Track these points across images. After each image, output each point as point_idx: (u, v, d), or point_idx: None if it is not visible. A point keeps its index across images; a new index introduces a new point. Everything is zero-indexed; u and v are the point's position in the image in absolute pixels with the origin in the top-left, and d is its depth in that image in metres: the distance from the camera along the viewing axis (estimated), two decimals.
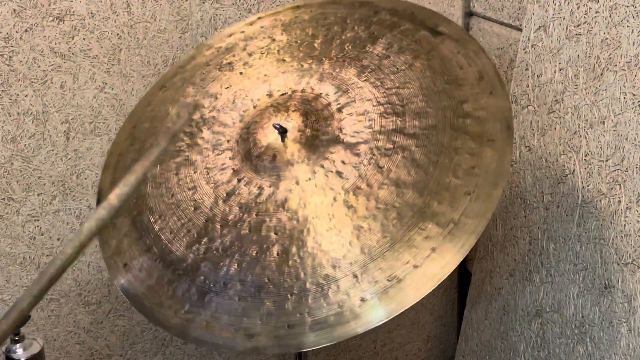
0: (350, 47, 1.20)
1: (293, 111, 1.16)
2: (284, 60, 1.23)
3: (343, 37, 1.22)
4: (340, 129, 1.12)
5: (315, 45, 1.23)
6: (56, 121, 1.36)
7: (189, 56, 1.33)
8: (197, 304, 1.07)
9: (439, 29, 1.20)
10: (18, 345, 1.14)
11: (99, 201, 1.23)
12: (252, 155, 1.14)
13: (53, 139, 1.36)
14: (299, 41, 1.25)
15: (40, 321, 1.45)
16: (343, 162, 1.09)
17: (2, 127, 1.33)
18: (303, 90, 1.18)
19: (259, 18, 1.33)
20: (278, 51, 1.25)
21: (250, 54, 1.27)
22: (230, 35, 1.32)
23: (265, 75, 1.23)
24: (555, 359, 1.33)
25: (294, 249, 1.05)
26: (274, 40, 1.27)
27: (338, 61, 1.19)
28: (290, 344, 1.02)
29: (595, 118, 1.24)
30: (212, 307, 1.06)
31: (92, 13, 1.34)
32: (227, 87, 1.24)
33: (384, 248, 1.02)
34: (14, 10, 1.29)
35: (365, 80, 1.16)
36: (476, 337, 1.54)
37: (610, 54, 1.21)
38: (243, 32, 1.31)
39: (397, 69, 1.16)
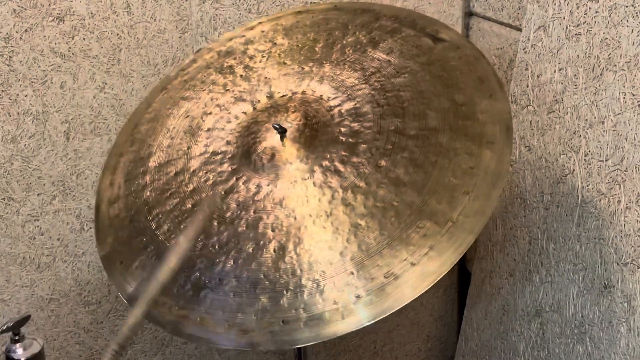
0: (351, 51, 1.21)
1: (293, 112, 1.16)
2: (284, 63, 1.24)
3: (344, 42, 1.22)
4: (340, 130, 1.12)
5: (317, 49, 1.23)
6: (56, 121, 1.36)
7: (189, 59, 1.34)
8: (192, 300, 1.07)
9: (440, 35, 1.20)
10: (18, 345, 1.14)
11: (97, 203, 1.23)
12: (251, 155, 1.14)
13: (53, 139, 1.37)
14: (300, 45, 1.25)
15: (40, 321, 1.45)
16: (342, 162, 1.09)
17: (2, 127, 1.33)
18: (303, 92, 1.19)
19: (260, 23, 1.33)
20: (279, 54, 1.25)
21: (251, 57, 1.27)
22: (231, 39, 1.32)
23: (266, 77, 1.23)
24: (555, 359, 1.33)
25: (290, 246, 1.05)
26: (275, 44, 1.27)
27: (339, 64, 1.19)
28: (284, 339, 1.02)
29: (595, 118, 1.24)
30: (206, 303, 1.06)
31: (92, 13, 1.34)
32: (228, 89, 1.24)
33: (381, 245, 1.02)
34: (14, 10, 1.29)
35: (365, 83, 1.16)
36: (476, 337, 1.54)
37: (610, 53, 1.21)
38: (244, 36, 1.32)
39: (398, 72, 1.16)
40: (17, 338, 1.14)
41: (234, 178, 1.13)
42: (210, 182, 1.14)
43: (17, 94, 1.33)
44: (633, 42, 1.17)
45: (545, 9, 1.32)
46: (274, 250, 1.06)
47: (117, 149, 1.28)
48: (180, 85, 1.29)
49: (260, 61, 1.26)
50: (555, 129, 1.32)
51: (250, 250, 1.07)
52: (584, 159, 1.26)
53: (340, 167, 1.09)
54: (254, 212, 1.09)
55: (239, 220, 1.09)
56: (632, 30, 1.17)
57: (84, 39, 1.35)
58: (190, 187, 1.15)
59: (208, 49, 1.33)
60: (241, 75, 1.25)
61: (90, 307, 1.48)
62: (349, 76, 1.18)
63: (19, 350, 1.14)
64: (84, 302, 1.47)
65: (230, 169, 1.15)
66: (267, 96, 1.21)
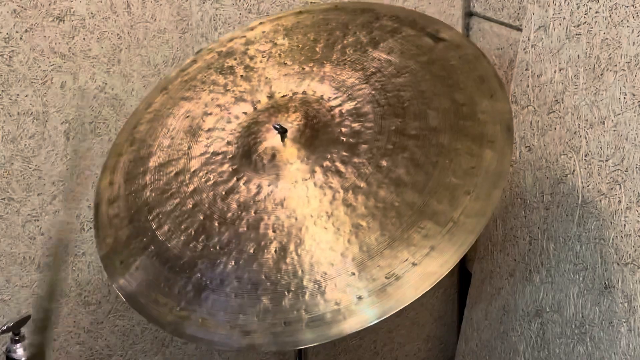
0: (351, 51, 1.21)
1: (293, 112, 1.16)
2: (285, 64, 1.24)
3: (345, 42, 1.22)
4: (341, 130, 1.12)
5: (317, 49, 1.23)
6: (56, 121, 1.36)
7: (190, 60, 1.34)
8: (193, 301, 1.07)
9: (440, 35, 1.20)
10: (18, 345, 1.14)
11: (97, 203, 1.23)
12: (252, 155, 1.14)
13: (53, 139, 1.37)
14: (300, 45, 1.25)
15: None
16: (343, 162, 1.09)
17: (2, 127, 1.33)
18: (304, 92, 1.19)
19: (261, 23, 1.33)
20: (279, 55, 1.25)
21: (251, 58, 1.27)
22: (231, 39, 1.32)
23: (267, 77, 1.23)
24: (555, 359, 1.33)
25: (291, 247, 1.05)
26: (275, 44, 1.27)
27: (339, 64, 1.20)
28: (286, 341, 1.02)
29: (595, 118, 1.24)
30: (208, 304, 1.06)
31: (92, 13, 1.34)
32: (228, 89, 1.24)
33: (382, 246, 1.02)
34: (14, 10, 1.29)
35: (366, 83, 1.16)
36: (476, 337, 1.54)
37: (610, 54, 1.21)
38: (244, 36, 1.32)
39: (398, 72, 1.16)
40: (17, 338, 1.14)
41: (235, 178, 1.13)
42: (210, 182, 1.14)
43: (17, 94, 1.33)
44: (633, 42, 1.17)
45: (546, 9, 1.32)
46: (275, 251, 1.05)
47: (117, 148, 1.28)
48: (181, 85, 1.29)
49: (260, 61, 1.26)
50: (555, 129, 1.32)
51: (252, 251, 1.07)
52: (585, 159, 1.26)
53: (341, 168, 1.09)
54: (255, 213, 1.09)
55: (239, 220, 1.09)
56: (633, 31, 1.17)
57: (84, 39, 1.34)
58: (191, 187, 1.15)
59: (208, 49, 1.33)
60: (242, 76, 1.25)
61: (90, 307, 1.47)
62: (350, 76, 1.18)
63: (19, 350, 1.14)
64: (84, 302, 1.47)
65: (230, 169, 1.14)
66: (267, 96, 1.21)
